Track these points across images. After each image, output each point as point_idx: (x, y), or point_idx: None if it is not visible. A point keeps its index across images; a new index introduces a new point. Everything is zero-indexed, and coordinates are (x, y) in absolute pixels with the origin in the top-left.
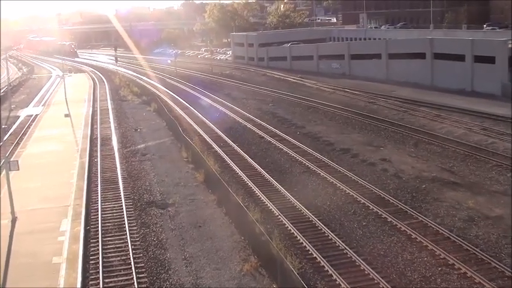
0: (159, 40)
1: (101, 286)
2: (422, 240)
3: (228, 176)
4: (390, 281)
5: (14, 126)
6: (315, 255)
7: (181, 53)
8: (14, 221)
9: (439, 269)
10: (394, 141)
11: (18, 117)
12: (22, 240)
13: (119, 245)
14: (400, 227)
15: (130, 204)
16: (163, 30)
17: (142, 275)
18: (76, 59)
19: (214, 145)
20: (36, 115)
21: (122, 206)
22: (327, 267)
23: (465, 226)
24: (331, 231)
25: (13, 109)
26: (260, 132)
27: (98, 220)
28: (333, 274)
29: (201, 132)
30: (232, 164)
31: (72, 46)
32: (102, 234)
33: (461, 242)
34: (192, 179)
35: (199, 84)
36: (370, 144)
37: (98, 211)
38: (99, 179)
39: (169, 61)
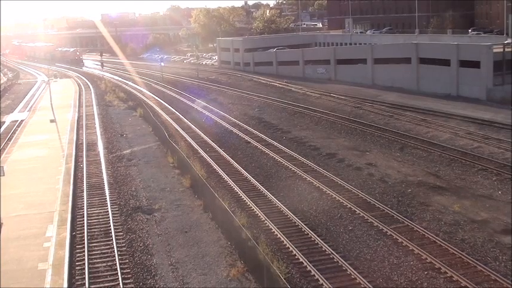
0: (145, 45)
1: None
2: (408, 245)
3: (214, 181)
4: (377, 286)
5: None
6: (301, 260)
7: (166, 58)
8: None
9: (426, 273)
10: (379, 145)
11: (4, 122)
12: (7, 247)
13: (105, 251)
14: (387, 232)
15: (116, 210)
16: (149, 35)
17: (129, 281)
18: (57, 64)
19: (200, 150)
20: (22, 121)
21: (107, 211)
22: (313, 272)
23: (451, 230)
24: (318, 236)
25: None
26: (246, 137)
27: (83, 226)
28: (320, 279)
29: (187, 138)
30: (218, 169)
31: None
32: (88, 240)
33: (447, 246)
34: (178, 184)
35: (186, 89)
36: (356, 148)
37: (83, 217)
38: (84, 184)
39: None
